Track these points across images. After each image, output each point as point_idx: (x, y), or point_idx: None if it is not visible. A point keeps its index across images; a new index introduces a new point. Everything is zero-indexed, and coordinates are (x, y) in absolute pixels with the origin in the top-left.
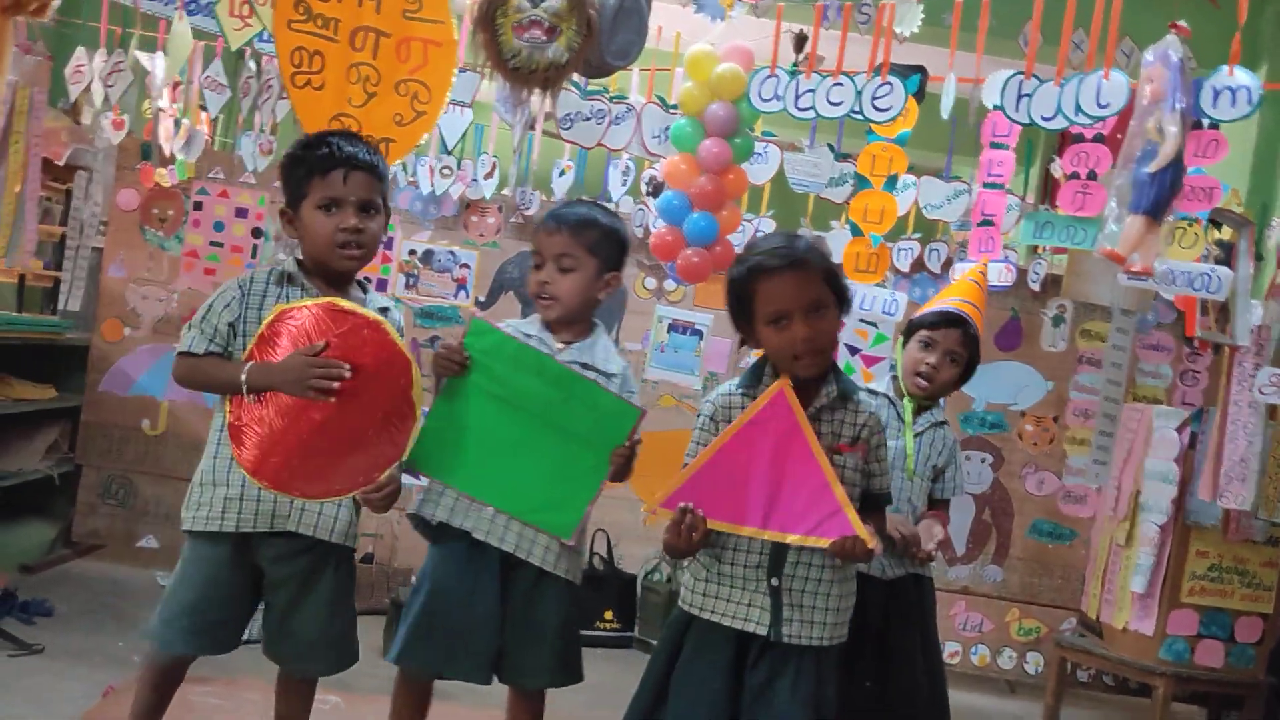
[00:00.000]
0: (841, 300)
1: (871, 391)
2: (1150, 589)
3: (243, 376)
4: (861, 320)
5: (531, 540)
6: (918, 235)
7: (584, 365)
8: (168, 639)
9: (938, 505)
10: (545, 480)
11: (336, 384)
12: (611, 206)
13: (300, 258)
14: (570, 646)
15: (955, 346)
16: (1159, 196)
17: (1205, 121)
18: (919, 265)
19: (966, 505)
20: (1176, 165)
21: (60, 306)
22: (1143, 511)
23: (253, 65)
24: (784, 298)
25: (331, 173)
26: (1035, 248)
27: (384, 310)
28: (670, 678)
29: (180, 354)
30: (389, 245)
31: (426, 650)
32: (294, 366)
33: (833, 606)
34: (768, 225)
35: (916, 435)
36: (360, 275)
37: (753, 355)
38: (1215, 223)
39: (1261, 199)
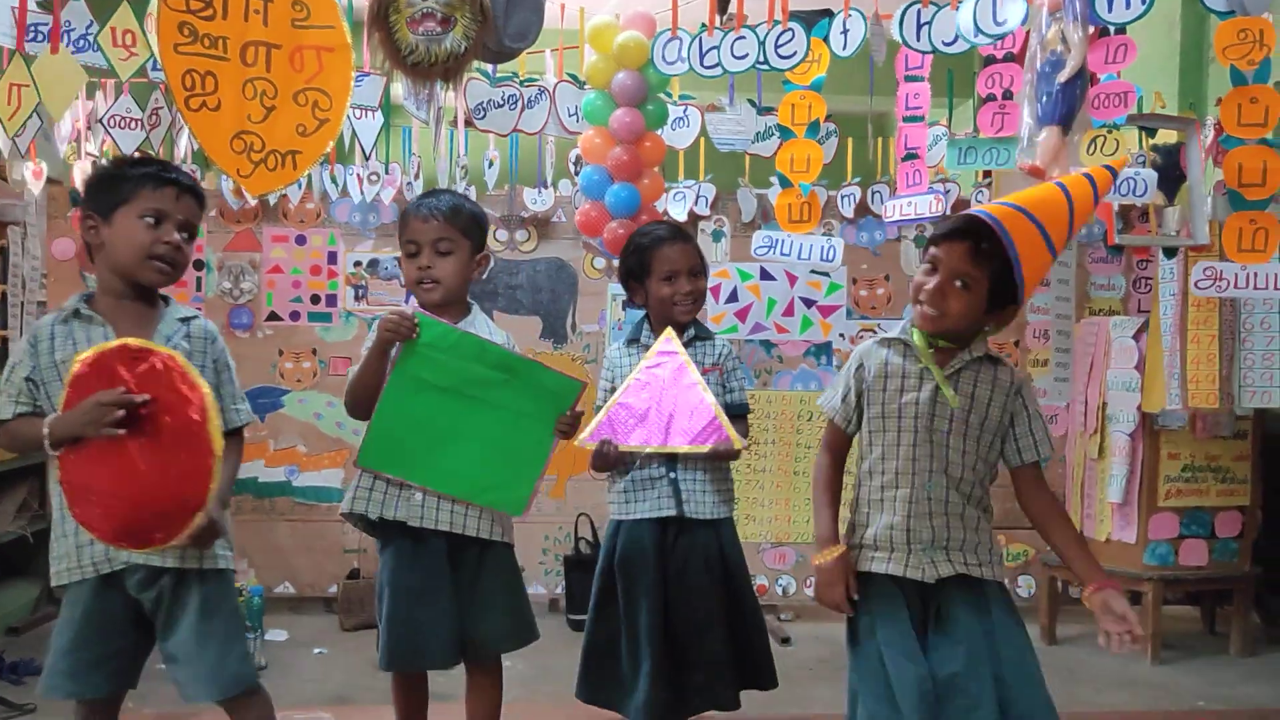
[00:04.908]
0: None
1: (885, 341)
2: (1127, 497)
3: (45, 429)
4: (812, 271)
5: (464, 514)
6: (858, 180)
7: None
8: (50, 686)
9: (1025, 475)
10: (494, 461)
11: (122, 412)
12: (549, 191)
13: (91, 292)
14: (521, 606)
15: (962, 265)
16: (1070, 107)
17: (1112, 27)
18: (863, 209)
19: None
20: (1082, 73)
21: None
22: (1111, 423)
23: (159, 96)
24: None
25: (164, 188)
26: (978, 176)
27: (188, 319)
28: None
29: None
30: (333, 260)
31: (403, 651)
32: (86, 408)
33: (713, 489)
34: (708, 190)
35: (951, 375)
36: (163, 290)
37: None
38: (1146, 129)
39: (1189, 100)
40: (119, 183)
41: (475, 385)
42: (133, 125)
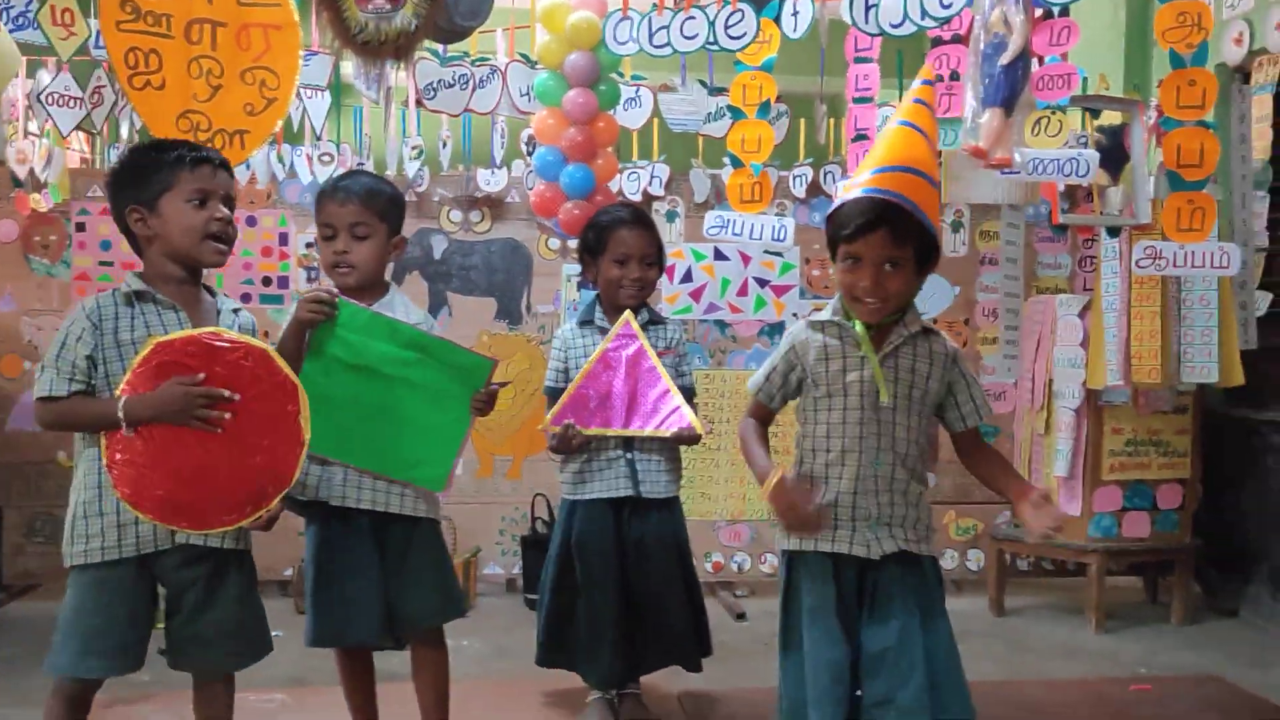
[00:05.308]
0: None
1: (818, 324)
2: (1073, 471)
3: (120, 413)
4: (766, 251)
5: (387, 490)
6: (810, 160)
7: None
8: (86, 666)
9: (969, 437)
10: (412, 438)
11: (226, 414)
12: (502, 172)
13: (140, 273)
14: (448, 580)
15: (888, 251)
16: (1012, 89)
17: (1055, 9)
18: (815, 190)
19: None
20: (1024, 55)
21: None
22: (1057, 399)
23: (102, 74)
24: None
25: (200, 167)
26: None
27: (237, 311)
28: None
29: (40, 399)
30: (284, 242)
31: (327, 627)
32: (176, 396)
33: (667, 468)
34: (662, 170)
35: (890, 353)
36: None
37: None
38: (1090, 110)
39: (1134, 82)
40: (154, 171)
41: (389, 364)
42: (73, 104)
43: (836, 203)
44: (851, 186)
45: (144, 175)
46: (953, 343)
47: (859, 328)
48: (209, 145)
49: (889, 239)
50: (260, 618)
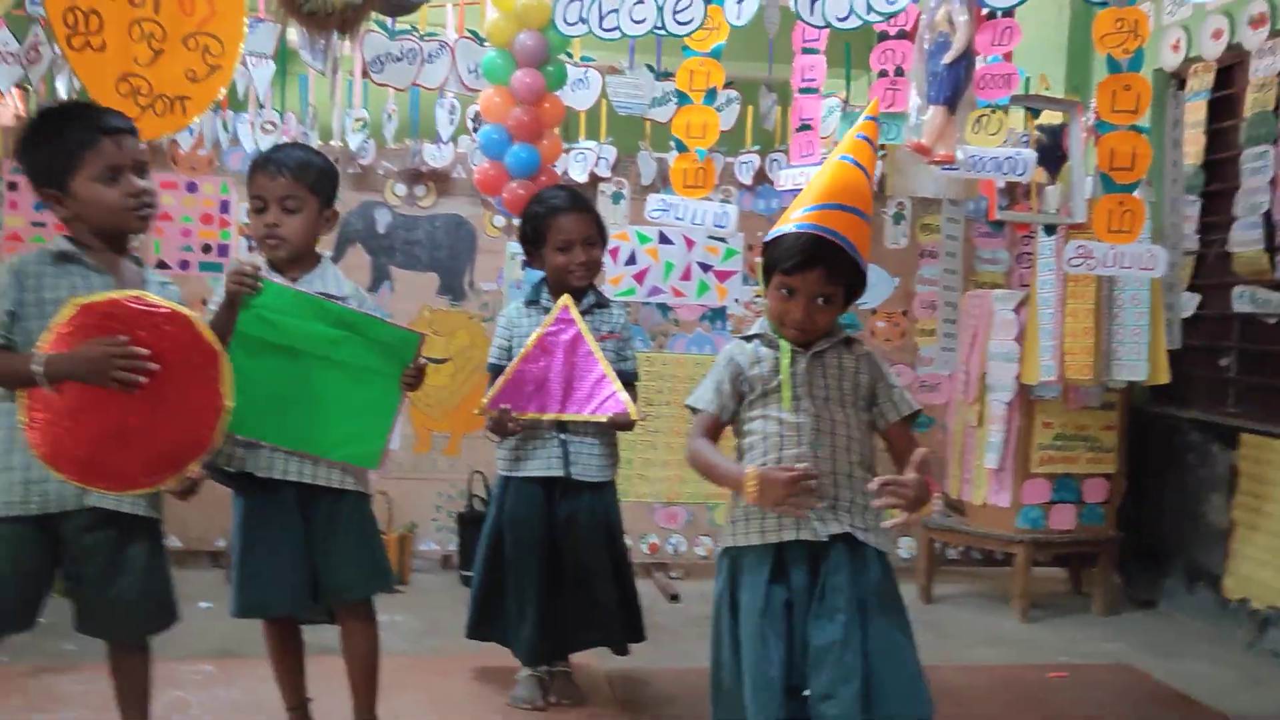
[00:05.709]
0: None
1: (747, 337)
2: (1003, 463)
3: (38, 368)
4: (710, 236)
5: (314, 463)
6: (756, 148)
7: (323, 295)
8: None
9: (894, 433)
10: (343, 416)
11: (141, 377)
12: (446, 146)
13: (71, 236)
14: (376, 553)
15: (821, 289)
16: (955, 88)
17: (999, 10)
18: (761, 177)
19: None
20: (967, 54)
21: None
22: (990, 391)
23: (40, 31)
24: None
25: (100, 142)
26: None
27: (165, 285)
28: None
29: None
30: (225, 209)
31: (252, 598)
32: (96, 356)
33: (600, 453)
34: (609, 152)
35: (819, 354)
36: (133, 252)
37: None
38: (1031, 110)
39: (1075, 83)
40: (57, 153)
41: (316, 343)
42: (9, 60)
43: (777, 231)
44: (791, 218)
45: (49, 158)
46: (870, 348)
47: (785, 346)
48: (149, 110)
49: (824, 277)
50: (168, 586)
